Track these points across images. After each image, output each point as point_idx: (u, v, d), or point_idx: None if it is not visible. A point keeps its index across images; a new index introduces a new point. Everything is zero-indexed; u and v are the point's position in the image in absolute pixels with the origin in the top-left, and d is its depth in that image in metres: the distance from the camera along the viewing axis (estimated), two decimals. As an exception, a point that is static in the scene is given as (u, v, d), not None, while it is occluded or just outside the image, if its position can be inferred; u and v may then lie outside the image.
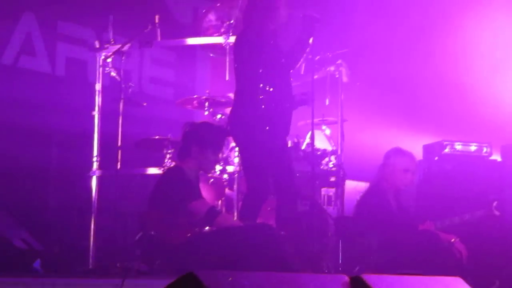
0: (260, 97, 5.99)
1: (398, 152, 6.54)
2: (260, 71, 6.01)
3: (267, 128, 6.00)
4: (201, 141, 5.77)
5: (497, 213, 6.79)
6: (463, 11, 9.25)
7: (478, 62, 9.09)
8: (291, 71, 6.19)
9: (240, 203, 6.43)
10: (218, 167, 6.86)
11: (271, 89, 6.02)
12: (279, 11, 6.05)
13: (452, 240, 6.43)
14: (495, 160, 8.12)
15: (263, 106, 5.99)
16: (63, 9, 8.14)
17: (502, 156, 8.15)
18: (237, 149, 6.76)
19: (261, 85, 6.00)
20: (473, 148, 8.09)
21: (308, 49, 6.19)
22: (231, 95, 7.11)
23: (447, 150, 8.02)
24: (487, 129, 8.66)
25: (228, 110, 7.56)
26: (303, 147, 7.51)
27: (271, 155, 6.08)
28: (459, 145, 8.07)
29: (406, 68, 9.51)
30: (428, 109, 9.30)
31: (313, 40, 6.11)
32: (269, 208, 6.87)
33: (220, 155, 6.22)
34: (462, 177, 7.88)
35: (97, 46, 7.46)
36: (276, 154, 6.07)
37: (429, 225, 6.62)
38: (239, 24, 7.38)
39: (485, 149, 8.08)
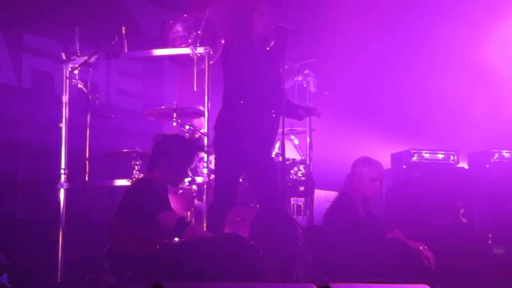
0: (241, 105, 6.02)
1: (365, 161, 6.56)
2: (247, 81, 6.04)
3: (249, 136, 6.02)
4: (171, 154, 5.74)
5: (464, 220, 6.83)
6: (428, 19, 9.34)
7: (443, 70, 9.17)
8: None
9: None
10: (187, 179, 6.85)
11: (256, 100, 6.04)
12: (257, 21, 6.08)
13: (421, 247, 6.46)
14: (462, 168, 8.20)
15: (245, 116, 6.02)
16: (29, 21, 8.10)
17: (469, 164, 8.23)
18: (206, 159, 6.77)
19: (245, 95, 6.03)
20: (440, 156, 8.16)
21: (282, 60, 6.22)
22: (201, 107, 7.12)
23: (414, 158, 8.08)
24: (453, 137, 8.74)
25: (196, 121, 7.58)
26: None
27: (252, 165, 6.10)
28: (426, 153, 8.13)
29: (373, 77, 9.58)
30: (396, 118, 9.36)
31: (285, 51, 6.14)
32: (238, 218, 6.88)
33: (188, 170, 6.21)
34: (430, 185, 7.94)
35: (64, 58, 7.43)
36: (258, 164, 6.08)
37: (397, 233, 6.65)
38: (207, 35, 7.40)
39: (452, 157, 8.15)
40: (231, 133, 6.05)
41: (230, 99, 6.13)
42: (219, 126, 6.16)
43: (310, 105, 7.84)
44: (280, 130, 7.28)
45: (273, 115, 6.15)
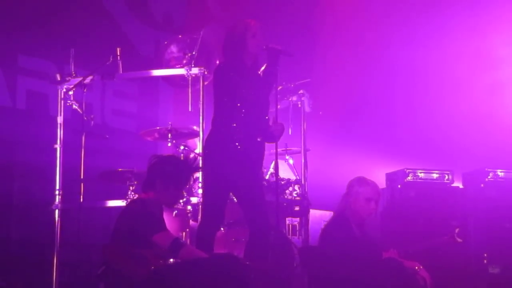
0: (234, 128, 6.02)
1: (361, 181, 6.56)
2: (238, 105, 6.04)
3: (238, 160, 6.01)
4: (166, 176, 5.73)
5: (459, 240, 6.83)
6: (422, 38, 9.39)
7: (438, 90, 9.20)
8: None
9: None
10: (182, 199, 6.84)
11: (246, 124, 6.05)
12: (250, 41, 6.09)
13: (416, 267, 6.45)
14: (457, 187, 8.21)
15: (236, 140, 6.02)
16: (24, 43, 8.12)
17: (463, 183, 8.24)
18: (201, 179, 6.77)
19: (236, 118, 6.03)
20: (435, 175, 8.17)
21: (275, 80, 6.23)
22: (196, 128, 7.12)
23: (409, 178, 8.09)
24: (448, 157, 8.76)
25: (190, 141, 7.58)
26: (267, 177, 7.52)
27: (239, 188, 6.09)
28: (421, 172, 8.14)
29: (368, 98, 9.61)
30: (390, 137, 9.39)
31: (277, 72, 6.16)
32: (233, 239, 6.87)
33: (184, 192, 6.21)
34: (425, 204, 7.95)
35: (58, 79, 7.44)
36: (246, 187, 6.07)
37: (393, 253, 6.64)
38: (201, 55, 7.42)
39: (447, 177, 8.17)
40: (219, 155, 6.03)
41: (219, 121, 6.12)
42: (208, 148, 6.15)
43: (304, 126, 7.86)
44: (273, 150, 7.31)
45: (258, 139, 6.15)
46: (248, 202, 6.12)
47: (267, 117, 6.19)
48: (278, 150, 7.35)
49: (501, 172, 8.01)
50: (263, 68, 6.26)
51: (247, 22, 6.15)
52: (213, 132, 6.22)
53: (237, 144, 6.02)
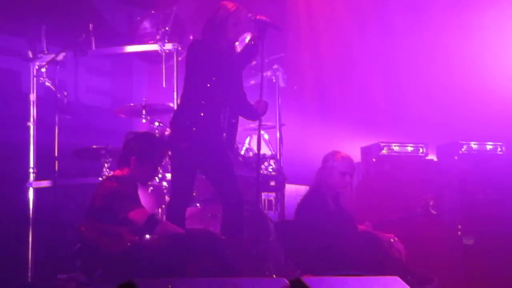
0: (202, 106, 5.99)
1: (335, 155, 6.59)
2: (208, 85, 6.00)
3: (204, 136, 5.99)
4: (141, 152, 5.73)
5: (434, 212, 6.90)
6: (397, 11, 9.39)
7: (411, 63, 9.22)
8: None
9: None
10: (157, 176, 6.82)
11: (215, 103, 6.02)
12: (230, 28, 6.05)
13: (391, 239, 6.51)
14: (431, 160, 8.26)
15: (202, 114, 5.99)
16: (-6, 20, 8.03)
17: (437, 156, 8.29)
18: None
19: (206, 96, 6.00)
20: (409, 148, 8.21)
21: (256, 53, 6.19)
22: (171, 104, 7.09)
23: (384, 151, 8.12)
24: (422, 130, 8.80)
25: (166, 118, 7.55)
26: (242, 152, 7.52)
27: (207, 167, 6.08)
28: (396, 146, 8.18)
29: (342, 72, 9.61)
30: (365, 111, 9.41)
31: (264, 44, 6.13)
32: (209, 214, 6.87)
33: (159, 168, 6.19)
34: (400, 177, 7.99)
35: (30, 56, 7.37)
36: (213, 165, 6.05)
37: (368, 225, 6.70)
38: (175, 31, 7.37)
39: (421, 150, 8.21)
40: (184, 133, 6.01)
41: (189, 97, 6.09)
42: (174, 124, 6.11)
43: (279, 101, 7.87)
44: (247, 126, 7.31)
45: (233, 121, 6.14)
46: (217, 180, 6.11)
47: (241, 95, 6.16)
48: (253, 125, 7.39)
49: (474, 144, 8.06)
50: (247, 39, 6.23)
51: (232, 9, 6.07)
52: (180, 108, 6.19)
53: (204, 121, 5.98)
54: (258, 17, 6.11)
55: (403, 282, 4.10)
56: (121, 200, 5.52)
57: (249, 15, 6.14)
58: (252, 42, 6.09)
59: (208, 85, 6.01)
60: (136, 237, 5.40)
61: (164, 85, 7.11)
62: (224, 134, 6.10)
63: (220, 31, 6.03)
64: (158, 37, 7.29)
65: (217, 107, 6.05)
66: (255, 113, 6.26)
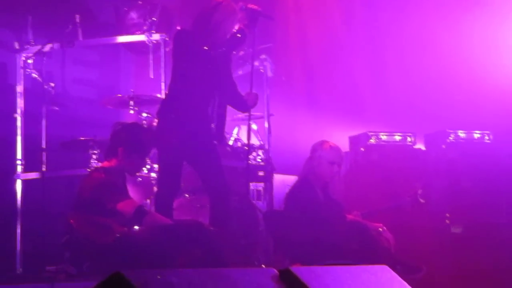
0: (189, 97, 5.97)
1: (323, 145, 6.60)
2: (195, 75, 5.97)
3: (190, 128, 5.97)
4: (129, 143, 5.71)
5: (422, 201, 6.92)
6: (383, 3, 9.39)
7: (399, 53, 9.23)
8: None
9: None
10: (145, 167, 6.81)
11: (202, 93, 6.00)
12: (221, 31, 6.01)
13: (380, 229, 6.53)
14: (419, 149, 8.27)
15: (189, 105, 5.97)
16: (-21, 11, 7.98)
17: (425, 145, 8.30)
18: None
19: (192, 86, 5.98)
20: (397, 137, 8.21)
21: (243, 41, 6.16)
22: (159, 95, 7.08)
23: (372, 140, 8.13)
24: (410, 119, 8.81)
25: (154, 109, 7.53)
26: (230, 143, 7.52)
27: (192, 158, 6.06)
28: (384, 135, 8.18)
29: (330, 61, 9.61)
30: (353, 101, 9.41)
31: (255, 33, 6.11)
32: (198, 205, 6.87)
33: (146, 159, 6.17)
34: (388, 166, 8.00)
35: (17, 47, 7.35)
36: (198, 156, 6.04)
37: (356, 215, 6.71)
38: (162, 22, 7.35)
39: (409, 139, 8.22)
40: (174, 122, 5.98)
41: (176, 88, 6.06)
42: (163, 114, 6.09)
43: (267, 91, 7.86)
44: (235, 116, 7.28)
45: (222, 111, 6.13)
46: (204, 171, 6.09)
47: (230, 85, 6.13)
48: (241, 116, 7.38)
49: (462, 133, 8.08)
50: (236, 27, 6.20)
51: (229, 14, 6.01)
52: (167, 99, 6.17)
53: (190, 111, 5.97)
54: (249, 5, 6.09)
55: (392, 271, 4.11)
56: (109, 191, 5.50)
57: (240, 3, 6.11)
58: (238, 35, 6.05)
59: (194, 75, 5.98)
60: (125, 228, 5.39)
61: (151, 76, 7.09)
62: (213, 125, 6.08)
63: (206, 25, 5.99)
64: (145, 27, 7.27)
65: (205, 97, 6.03)
66: (245, 105, 6.24)
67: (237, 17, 6.05)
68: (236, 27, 6.18)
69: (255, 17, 6.07)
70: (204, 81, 6.00)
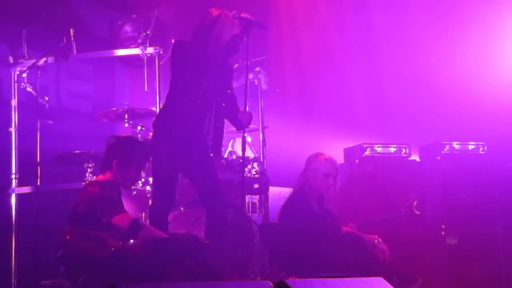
0: (186, 109, 5.97)
1: (319, 157, 6.59)
2: (193, 87, 5.97)
3: (187, 139, 5.97)
4: (123, 157, 5.70)
5: (417, 212, 6.91)
6: (377, 15, 9.42)
7: (393, 65, 9.25)
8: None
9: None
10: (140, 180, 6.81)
11: (200, 106, 6.00)
12: (223, 40, 6.02)
13: (375, 241, 6.52)
14: (414, 161, 8.28)
15: (185, 117, 5.97)
16: (-27, 25, 7.98)
17: (420, 157, 8.31)
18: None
19: (190, 98, 5.97)
20: (392, 149, 8.22)
21: (236, 50, 6.16)
22: (154, 108, 7.08)
23: (367, 152, 8.14)
24: (405, 131, 8.82)
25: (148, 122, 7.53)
26: (225, 155, 7.51)
27: (189, 171, 6.06)
28: (378, 147, 8.19)
29: (324, 74, 9.63)
30: (347, 113, 9.43)
31: (249, 43, 6.12)
32: (193, 218, 6.86)
33: (142, 172, 6.16)
34: (383, 178, 8.00)
35: (11, 61, 7.35)
36: (195, 169, 6.03)
37: (352, 227, 6.71)
38: (156, 35, 7.36)
39: (404, 150, 8.22)
40: (169, 134, 5.97)
41: (173, 99, 6.06)
42: (158, 126, 6.08)
43: (262, 103, 7.87)
44: (231, 129, 7.28)
45: (219, 124, 6.12)
46: (200, 184, 6.09)
47: (229, 98, 6.14)
48: (234, 129, 7.37)
49: (456, 144, 8.09)
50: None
51: (217, 15, 6.03)
52: (163, 110, 6.16)
53: (187, 123, 5.97)
54: (242, 14, 6.10)
55: (388, 283, 4.11)
56: (104, 205, 5.49)
57: (234, 12, 6.12)
58: (234, 40, 6.05)
59: (193, 87, 5.99)
60: (120, 242, 5.38)
61: (146, 89, 7.09)
62: (209, 137, 6.08)
63: (206, 37, 6.01)
64: (139, 41, 7.28)
65: (202, 110, 6.02)
66: (239, 123, 6.23)
67: (236, 28, 6.08)
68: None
69: (248, 26, 6.08)
70: (203, 93, 6.00)
